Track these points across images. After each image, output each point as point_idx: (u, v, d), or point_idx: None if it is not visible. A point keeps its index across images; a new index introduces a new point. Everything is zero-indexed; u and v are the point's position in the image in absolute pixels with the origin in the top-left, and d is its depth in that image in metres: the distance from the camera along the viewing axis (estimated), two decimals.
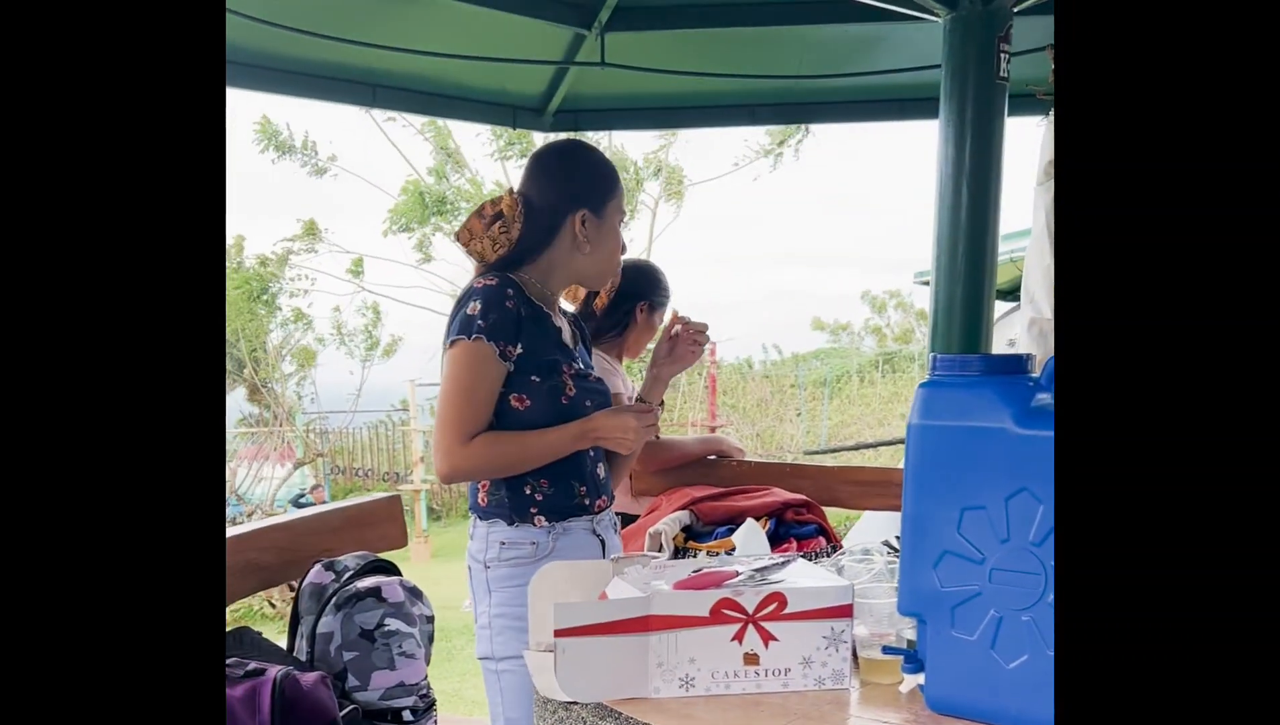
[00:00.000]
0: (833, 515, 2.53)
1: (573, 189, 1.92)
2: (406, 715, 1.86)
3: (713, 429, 11.70)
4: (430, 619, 1.97)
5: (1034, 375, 1.25)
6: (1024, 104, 2.83)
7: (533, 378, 1.85)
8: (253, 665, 1.67)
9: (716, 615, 1.35)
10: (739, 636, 1.35)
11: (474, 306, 1.80)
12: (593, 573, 1.52)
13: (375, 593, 1.88)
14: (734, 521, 2.28)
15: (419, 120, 11.55)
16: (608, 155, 2.05)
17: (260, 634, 1.82)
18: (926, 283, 2.53)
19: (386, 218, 12.80)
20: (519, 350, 1.83)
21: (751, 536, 1.91)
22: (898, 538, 1.35)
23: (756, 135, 12.28)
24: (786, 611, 1.36)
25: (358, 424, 13.97)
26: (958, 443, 1.23)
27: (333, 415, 14.12)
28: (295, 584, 1.98)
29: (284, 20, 2.56)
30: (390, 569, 2.00)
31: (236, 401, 13.61)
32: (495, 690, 1.85)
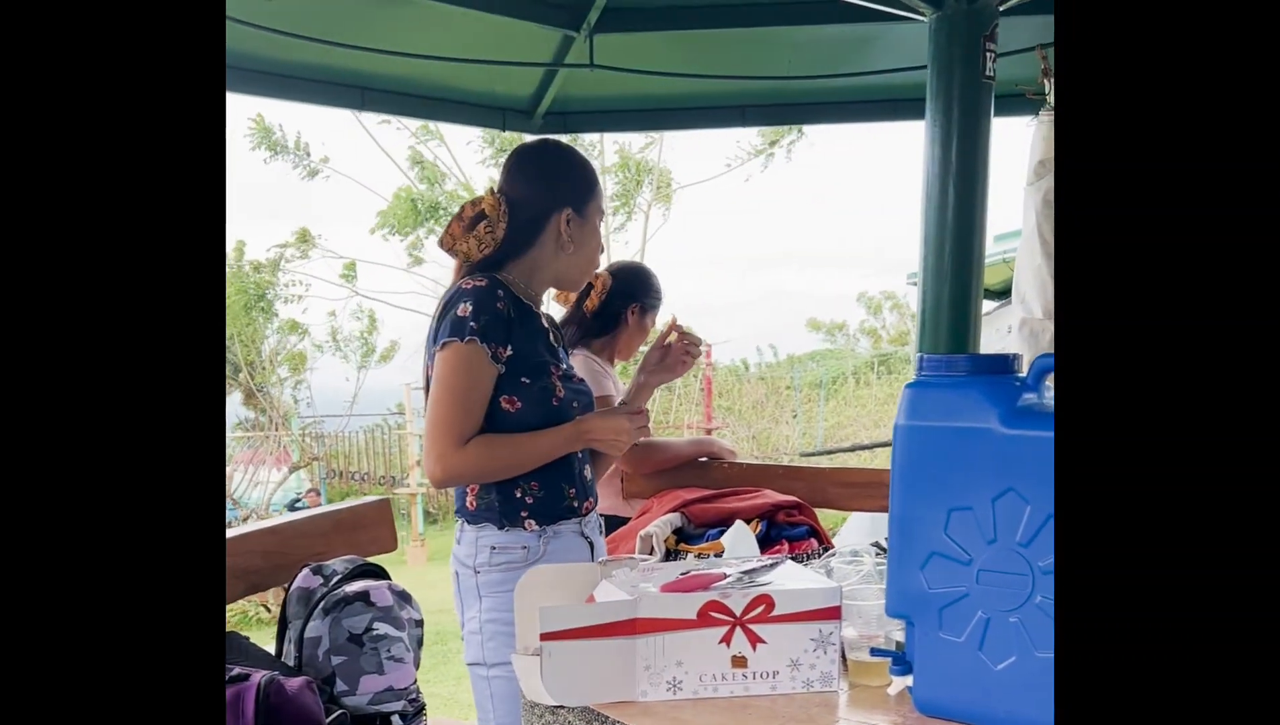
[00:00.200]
0: (824, 517, 2.52)
1: (556, 189, 1.92)
2: (395, 720, 1.85)
3: (709, 431, 11.71)
4: (419, 623, 1.96)
5: (1021, 375, 1.25)
6: (1014, 104, 2.84)
7: (523, 379, 1.84)
8: (237, 670, 1.66)
9: (704, 618, 1.34)
10: (727, 639, 1.35)
11: (465, 308, 1.79)
12: (580, 576, 1.51)
13: (364, 597, 1.87)
14: (725, 523, 2.27)
15: (413, 123, 11.56)
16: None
17: (247, 639, 1.81)
18: (916, 284, 2.53)
19: (377, 221, 12.82)
20: (509, 352, 1.82)
21: (740, 538, 1.91)
22: (887, 539, 1.35)
23: (748, 135, 12.31)
24: (774, 614, 1.35)
25: (353, 428, 13.98)
26: (944, 443, 1.22)
27: (328, 419, 14.13)
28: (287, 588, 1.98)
29: (272, 24, 2.55)
30: (379, 573, 1.99)
31: (232, 406, 13.62)
32: (485, 696, 1.84)
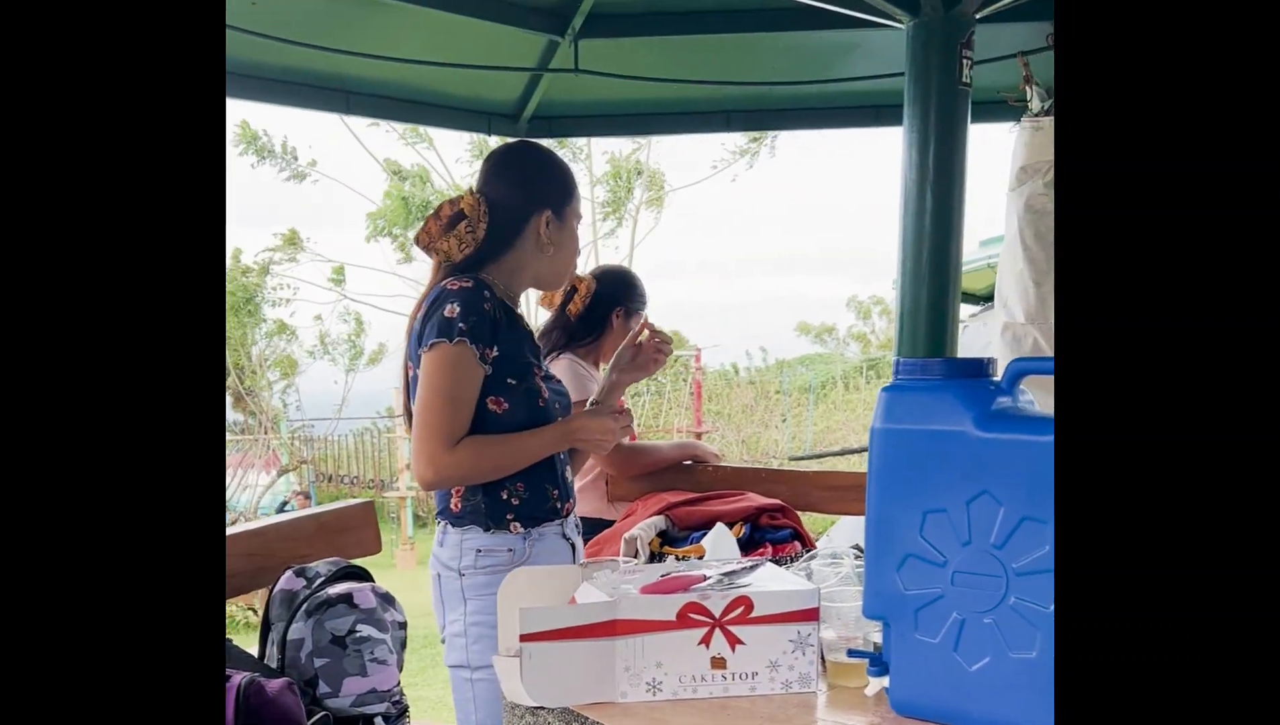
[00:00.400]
0: (811, 520, 2.54)
1: (537, 190, 1.93)
2: (379, 722, 1.85)
3: (698, 435, 11.72)
4: (402, 625, 1.96)
5: (995, 379, 1.26)
6: (999, 110, 2.86)
7: (509, 380, 1.84)
8: None
9: (683, 619, 1.35)
10: (706, 640, 1.36)
11: (452, 309, 1.78)
12: (562, 577, 1.52)
13: (347, 599, 1.88)
14: (709, 526, 2.28)
15: (400, 126, 11.57)
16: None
17: (230, 641, 1.81)
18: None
19: (368, 222, 12.81)
20: (495, 353, 1.81)
21: (721, 541, 1.92)
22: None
23: (733, 135, 12.34)
24: (753, 615, 1.36)
25: (342, 431, 13.97)
26: (920, 446, 1.24)
27: (318, 423, 14.12)
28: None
29: (256, 27, 2.56)
30: (362, 575, 1.99)
31: None
32: (468, 699, 1.84)
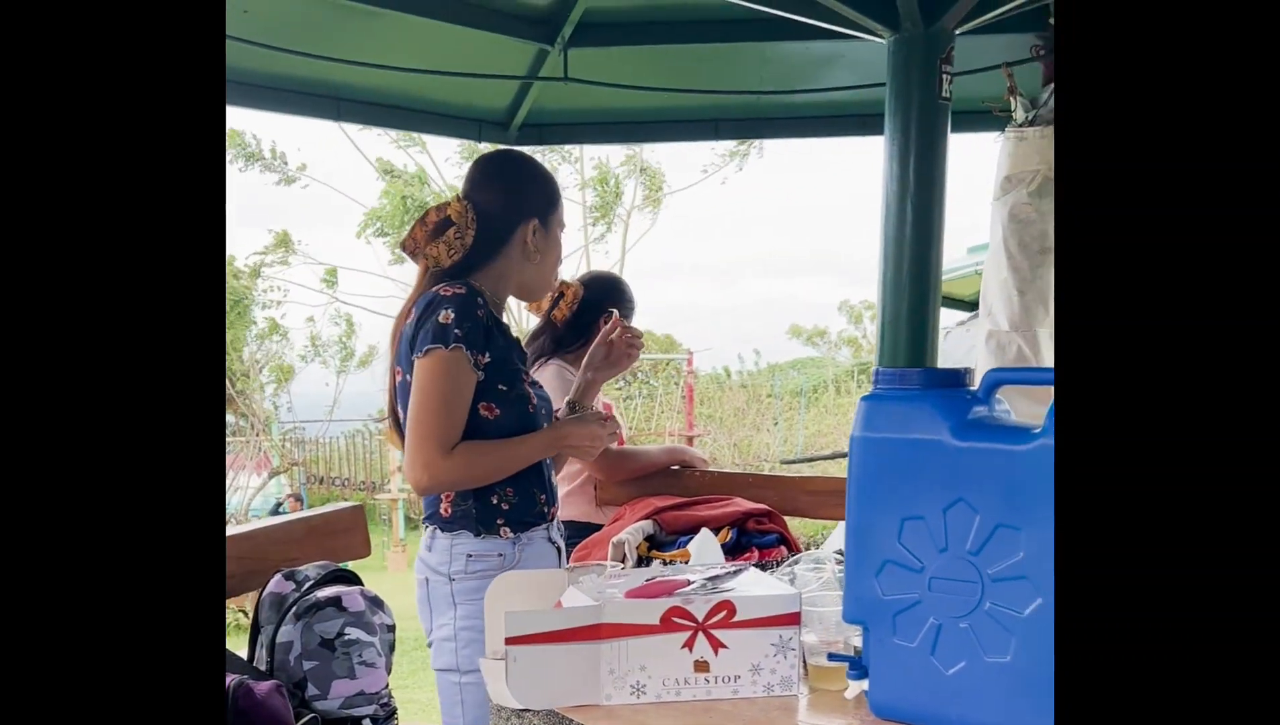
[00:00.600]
0: (806, 524, 2.56)
1: (524, 199, 1.95)
2: (367, 724, 1.87)
3: (690, 438, 11.74)
4: (391, 628, 1.98)
5: (972, 389, 1.29)
6: (986, 120, 2.90)
7: (500, 387, 1.86)
8: None
9: (667, 623, 1.38)
10: (689, 644, 1.38)
11: (446, 315, 1.79)
12: (549, 581, 1.54)
13: (335, 602, 1.89)
14: (697, 531, 2.30)
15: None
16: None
17: None
18: None
19: (363, 221, 12.81)
20: (487, 359, 1.83)
21: (706, 546, 1.94)
22: None
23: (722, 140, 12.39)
24: (735, 619, 1.39)
25: (334, 433, 13.97)
26: (898, 454, 1.26)
27: (309, 425, 14.12)
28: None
29: (250, 35, 2.57)
30: (351, 578, 2.01)
31: None
32: (456, 703, 1.86)
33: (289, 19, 2.68)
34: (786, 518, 2.50)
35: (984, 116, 2.86)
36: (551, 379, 2.48)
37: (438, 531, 1.89)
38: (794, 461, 12.73)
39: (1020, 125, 2.65)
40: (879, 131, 2.44)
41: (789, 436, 14.44)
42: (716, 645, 1.38)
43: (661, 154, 13.36)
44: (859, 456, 1.30)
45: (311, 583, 1.93)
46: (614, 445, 2.73)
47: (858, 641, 1.35)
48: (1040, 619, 1.16)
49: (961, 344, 5.29)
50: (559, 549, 1.97)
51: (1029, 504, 1.16)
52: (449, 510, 1.87)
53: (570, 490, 2.75)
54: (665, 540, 2.37)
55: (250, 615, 2.09)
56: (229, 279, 13.46)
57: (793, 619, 1.40)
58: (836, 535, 4.97)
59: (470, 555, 1.85)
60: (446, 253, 1.87)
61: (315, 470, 13.54)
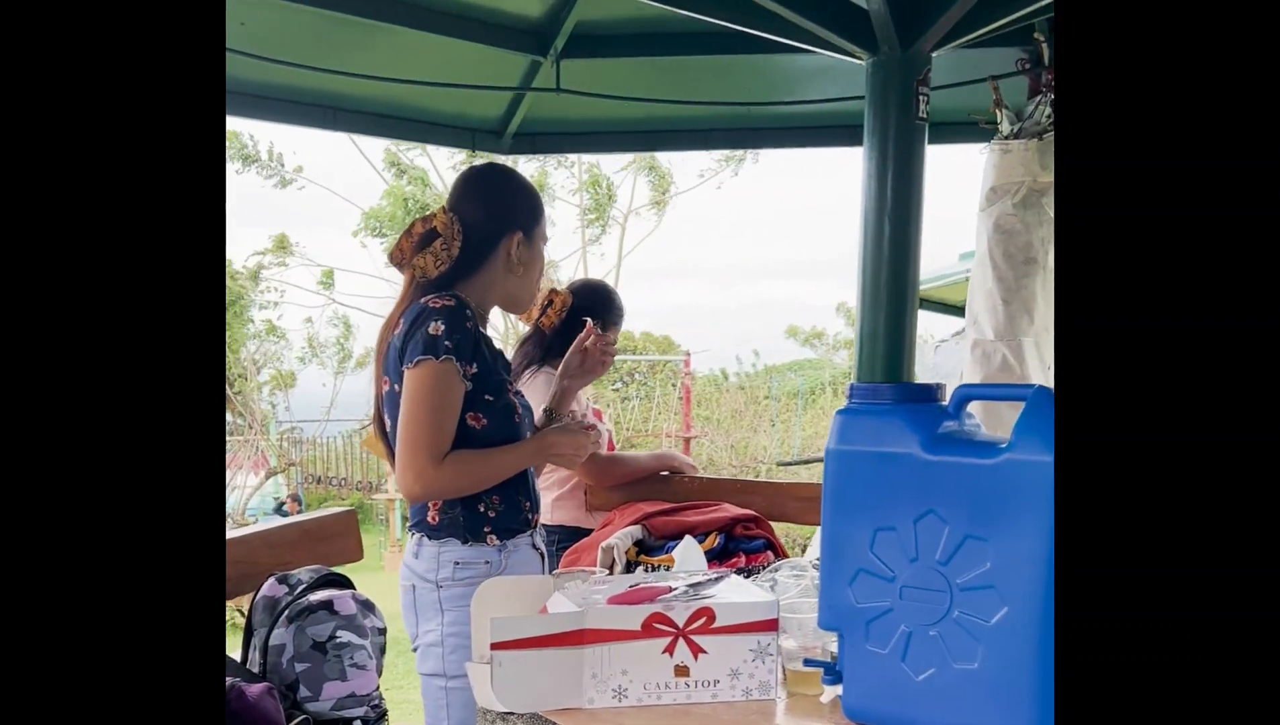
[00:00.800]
0: (788, 528, 2.59)
1: (508, 212, 1.98)
2: None
3: (687, 440, 11.77)
4: (382, 631, 2.01)
5: (943, 403, 1.33)
6: (974, 131, 2.93)
7: (487, 397, 1.89)
8: None
9: (648, 629, 1.41)
10: (670, 649, 1.41)
11: (436, 327, 1.82)
12: (534, 587, 1.58)
13: (327, 605, 1.93)
14: (684, 536, 2.34)
15: None
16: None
17: None
18: None
19: (361, 221, 12.83)
20: (475, 370, 1.86)
21: (689, 553, 1.98)
22: None
23: None
24: (715, 625, 1.42)
25: (331, 433, 13.99)
26: (871, 467, 1.30)
27: (306, 425, 14.14)
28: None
29: (247, 47, 2.61)
30: (343, 582, 2.04)
31: None
32: (440, 706, 1.89)
33: (285, 31, 2.71)
34: (774, 523, 2.53)
35: (971, 128, 2.90)
36: (542, 387, 2.51)
37: (425, 539, 1.91)
38: (790, 463, 12.74)
39: (1005, 137, 2.70)
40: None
41: (786, 438, 14.45)
42: (696, 650, 1.42)
43: (665, 155, 13.39)
44: (833, 469, 1.33)
45: (304, 586, 1.96)
46: (603, 451, 2.77)
47: (835, 647, 1.38)
48: (1006, 627, 1.19)
49: (952, 357, 5.32)
50: (542, 555, 2.01)
51: (996, 516, 1.20)
52: (436, 518, 1.90)
53: (560, 495, 2.79)
54: (654, 545, 2.40)
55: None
56: (228, 280, 13.49)
57: (771, 625, 1.44)
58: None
59: (458, 562, 1.88)
60: (433, 264, 1.90)
61: (313, 470, 13.57)
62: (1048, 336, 2.66)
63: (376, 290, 14.60)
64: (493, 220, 1.96)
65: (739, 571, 1.99)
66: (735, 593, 1.51)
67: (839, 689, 1.35)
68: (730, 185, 15.07)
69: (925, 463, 1.25)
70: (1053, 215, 2.57)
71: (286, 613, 1.91)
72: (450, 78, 2.98)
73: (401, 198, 12.59)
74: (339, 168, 21.70)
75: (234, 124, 12.09)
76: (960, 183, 3.53)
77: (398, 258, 1.94)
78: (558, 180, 12.60)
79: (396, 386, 1.88)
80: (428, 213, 1.96)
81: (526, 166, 12.12)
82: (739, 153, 12.26)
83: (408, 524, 1.98)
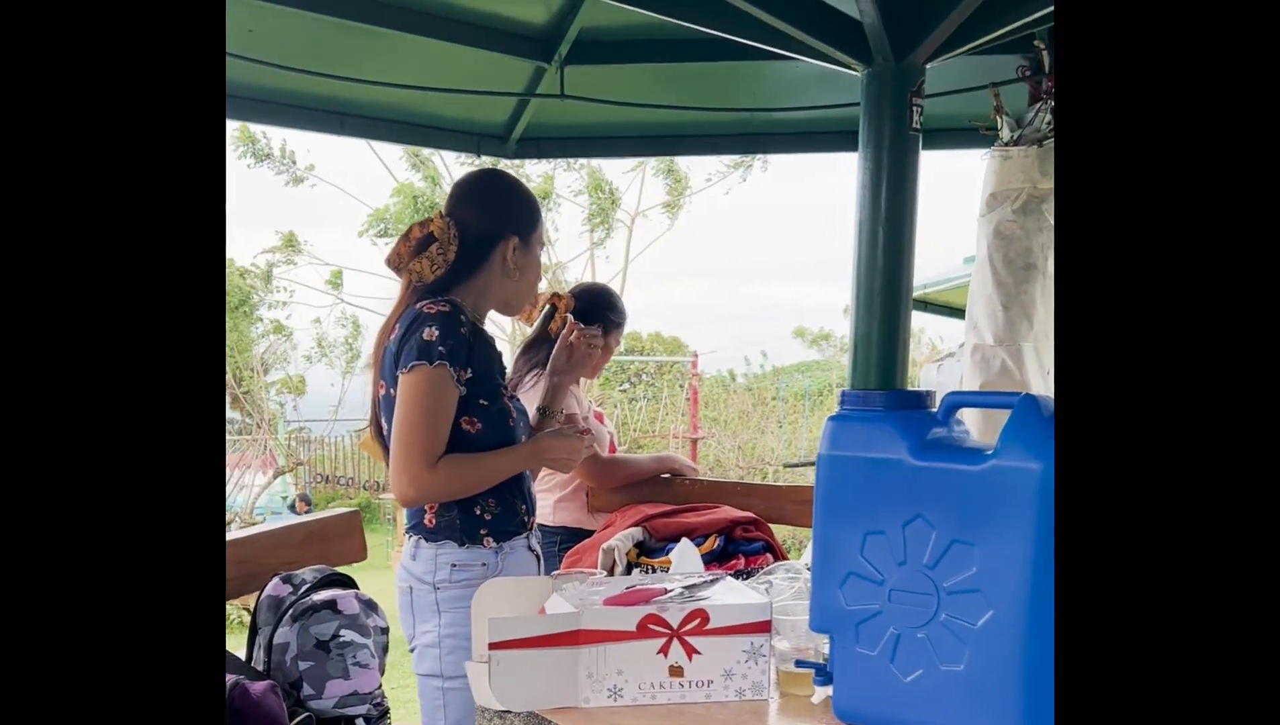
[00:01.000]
0: (786, 532, 2.61)
1: (505, 217, 2.00)
2: (360, 723, 1.93)
3: (694, 441, 11.78)
4: (384, 630, 2.04)
5: (932, 411, 1.35)
6: (974, 138, 2.95)
7: (481, 401, 1.91)
8: None
9: (643, 630, 1.44)
10: (664, 650, 1.44)
11: (430, 332, 1.84)
12: (533, 588, 1.60)
13: (331, 605, 1.95)
14: (685, 538, 2.36)
15: None
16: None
17: None
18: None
19: (368, 220, 12.86)
20: (469, 374, 1.88)
21: (686, 555, 2.00)
22: None
23: None
24: (709, 627, 1.45)
25: (339, 433, 14.04)
26: (861, 472, 1.33)
27: (314, 424, 14.20)
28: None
29: (255, 54, 2.64)
30: (347, 582, 2.07)
31: None
32: (437, 706, 1.91)
33: (293, 38, 2.74)
34: (773, 525, 2.56)
35: (971, 133, 2.92)
36: (545, 389, 2.53)
37: (422, 541, 1.93)
38: (796, 465, 12.75)
39: (1006, 144, 2.72)
40: None
41: (793, 439, 14.45)
42: (690, 651, 1.44)
43: (681, 158, 13.41)
44: (825, 474, 1.36)
45: (308, 586, 1.99)
46: (605, 453, 2.80)
47: (827, 648, 1.41)
48: (991, 630, 1.22)
49: (955, 375, 5.34)
50: (538, 556, 2.03)
51: (982, 521, 1.22)
52: (433, 521, 1.92)
53: (563, 497, 2.81)
54: (654, 547, 2.42)
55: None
56: (236, 278, 13.55)
57: (764, 627, 1.46)
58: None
59: (455, 564, 1.90)
60: (429, 268, 1.92)
61: (321, 469, 13.62)
62: (1047, 342, 2.68)
63: (386, 290, 14.66)
64: (488, 225, 1.98)
65: (738, 573, 2.02)
66: (729, 595, 1.54)
67: (829, 690, 1.38)
68: (739, 189, 15.06)
69: (914, 468, 1.28)
70: (1052, 222, 2.59)
71: (290, 612, 1.93)
72: (456, 83, 3.00)
73: (411, 196, 12.62)
74: (351, 166, 21.79)
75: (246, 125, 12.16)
76: (966, 187, 3.55)
77: (395, 262, 1.96)
78: (565, 182, 12.64)
79: (392, 391, 1.90)
80: (426, 217, 1.98)
81: (534, 169, 12.17)
82: (748, 159, 12.25)
83: (405, 526, 1.99)
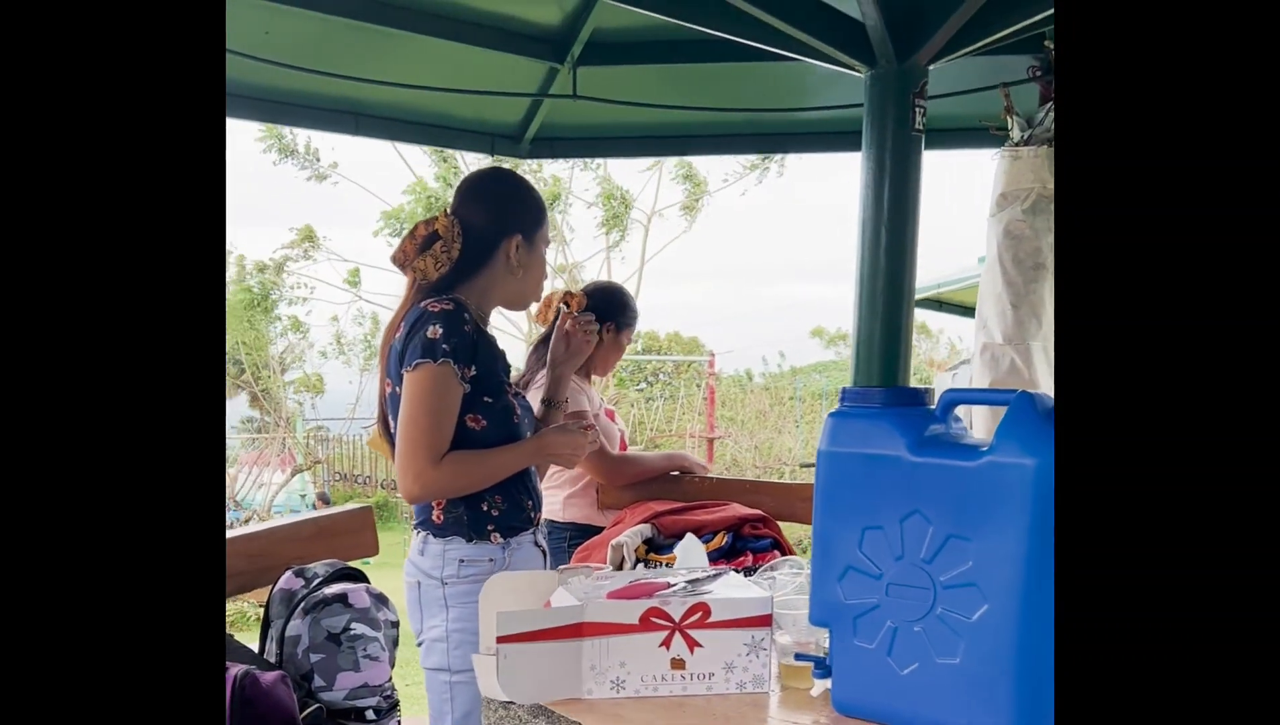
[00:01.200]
0: (793, 529, 2.62)
1: (509, 215, 2.02)
2: (370, 715, 1.96)
3: (710, 441, 11.79)
4: (395, 624, 2.07)
5: (930, 407, 1.37)
6: (984, 138, 2.96)
7: (485, 398, 1.93)
8: None
9: (646, 623, 1.45)
10: (666, 643, 1.46)
11: (435, 330, 1.86)
12: (539, 583, 1.62)
13: (342, 598, 1.98)
14: (690, 534, 2.38)
15: None
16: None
17: (231, 636, 1.92)
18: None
19: (381, 219, 12.90)
20: (473, 372, 1.90)
21: (691, 551, 2.02)
22: None
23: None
24: (710, 620, 1.47)
25: (356, 431, 14.10)
26: (860, 468, 1.34)
27: (332, 422, 14.26)
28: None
29: (272, 55, 2.68)
30: (358, 576, 2.10)
31: (238, 407, 13.73)
32: (444, 700, 1.92)
33: (310, 40, 2.77)
34: (781, 523, 2.57)
35: (982, 133, 2.92)
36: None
37: (430, 537, 1.95)
38: (813, 465, 12.71)
39: (1016, 144, 2.72)
40: None
41: (810, 439, 14.42)
42: (692, 644, 1.46)
43: (699, 159, 13.42)
44: (824, 470, 1.38)
45: (320, 580, 2.02)
46: (616, 450, 2.82)
47: (828, 643, 1.42)
48: (987, 624, 1.23)
49: (968, 382, 5.33)
50: (544, 552, 2.05)
51: (978, 516, 1.24)
52: (441, 517, 1.94)
53: (573, 493, 2.84)
54: (663, 543, 2.44)
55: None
56: (255, 273, 13.62)
57: (764, 621, 1.48)
58: None
59: (462, 560, 1.91)
60: (434, 266, 1.94)
61: (339, 468, 13.68)
62: None
63: (403, 288, 14.69)
64: (492, 223, 2.00)
65: (746, 570, 2.04)
66: (731, 589, 1.56)
67: (829, 683, 1.39)
68: (754, 191, 15.06)
69: (911, 464, 1.29)
70: None
71: (303, 605, 1.96)
72: (470, 84, 3.04)
73: (425, 195, 12.65)
74: (374, 163, 21.87)
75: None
76: (981, 186, 3.56)
77: (400, 259, 1.98)
78: (580, 184, 12.66)
79: (397, 389, 1.92)
80: (429, 217, 2.00)
81: (550, 169, 12.18)
82: (764, 160, 12.24)
83: (413, 522, 2.01)
